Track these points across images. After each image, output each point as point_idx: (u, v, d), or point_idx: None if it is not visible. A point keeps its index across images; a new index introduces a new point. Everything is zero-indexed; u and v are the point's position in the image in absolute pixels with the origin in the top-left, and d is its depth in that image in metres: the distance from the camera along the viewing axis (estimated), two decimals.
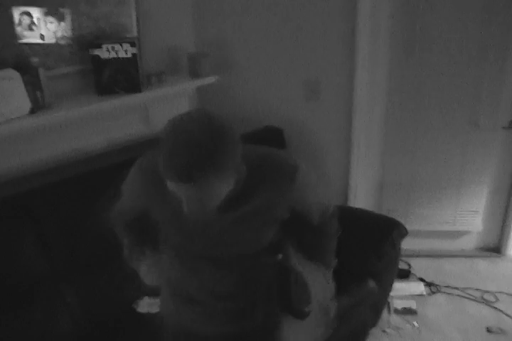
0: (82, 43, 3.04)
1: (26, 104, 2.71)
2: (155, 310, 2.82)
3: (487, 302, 3.72)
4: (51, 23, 2.89)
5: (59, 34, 2.94)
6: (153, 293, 2.89)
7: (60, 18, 2.92)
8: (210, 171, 1.48)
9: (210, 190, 1.55)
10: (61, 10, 2.90)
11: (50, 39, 2.91)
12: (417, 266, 4.09)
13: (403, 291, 3.80)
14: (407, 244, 3.39)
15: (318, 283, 2.18)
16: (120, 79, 3.06)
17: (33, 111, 2.74)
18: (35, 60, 2.78)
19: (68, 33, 2.98)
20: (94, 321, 2.78)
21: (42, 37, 2.87)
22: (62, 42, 2.97)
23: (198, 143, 1.47)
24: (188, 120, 1.54)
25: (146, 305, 2.83)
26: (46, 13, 2.85)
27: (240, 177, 1.69)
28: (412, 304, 3.68)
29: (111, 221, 2.19)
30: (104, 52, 3.00)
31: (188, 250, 1.99)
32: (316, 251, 2.17)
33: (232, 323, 2.08)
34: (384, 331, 3.45)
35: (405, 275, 3.96)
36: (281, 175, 1.80)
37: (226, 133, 1.52)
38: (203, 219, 1.79)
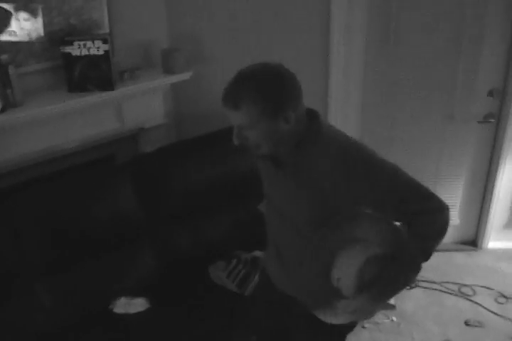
0: (54, 40, 2.98)
1: None
2: (132, 310, 2.80)
3: (465, 296, 3.73)
4: (22, 19, 2.83)
5: (31, 31, 2.88)
6: (130, 293, 2.87)
7: (32, 14, 2.86)
8: (243, 98, 1.73)
9: (247, 121, 1.76)
10: (32, 5, 2.84)
11: (21, 36, 2.85)
12: None
13: None
14: None
15: None
16: (92, 76, 3.01)
17: (3, 110, 2.70)
18: (4, 56, 2.72)
19: (40, 30, 2.92)
20: (69, 321, 2.75)
21: (13, 33, 2.82)
22: (34, 38, 2.91)
23: (245, 76, 1.79)
24: (259, 63, 1.84)
25: (123, 306, 2.80)
26: (17, 9, 2.79)
27: (290, 131, 1.85)
28: (391, 299, 3.67)
29: None
30: (76, 50, 2.96)
31: (269, 202, 2.12)
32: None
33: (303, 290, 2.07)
34: (363, 326, 3.44)
35: None
36: (352, 163, 1.92)
37: (276, 78, 1.78)
38: (254, 155, 1.96)
